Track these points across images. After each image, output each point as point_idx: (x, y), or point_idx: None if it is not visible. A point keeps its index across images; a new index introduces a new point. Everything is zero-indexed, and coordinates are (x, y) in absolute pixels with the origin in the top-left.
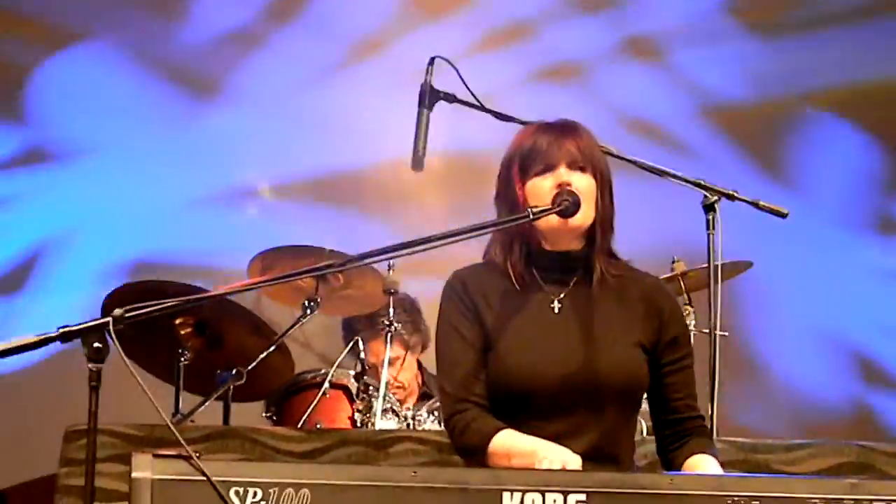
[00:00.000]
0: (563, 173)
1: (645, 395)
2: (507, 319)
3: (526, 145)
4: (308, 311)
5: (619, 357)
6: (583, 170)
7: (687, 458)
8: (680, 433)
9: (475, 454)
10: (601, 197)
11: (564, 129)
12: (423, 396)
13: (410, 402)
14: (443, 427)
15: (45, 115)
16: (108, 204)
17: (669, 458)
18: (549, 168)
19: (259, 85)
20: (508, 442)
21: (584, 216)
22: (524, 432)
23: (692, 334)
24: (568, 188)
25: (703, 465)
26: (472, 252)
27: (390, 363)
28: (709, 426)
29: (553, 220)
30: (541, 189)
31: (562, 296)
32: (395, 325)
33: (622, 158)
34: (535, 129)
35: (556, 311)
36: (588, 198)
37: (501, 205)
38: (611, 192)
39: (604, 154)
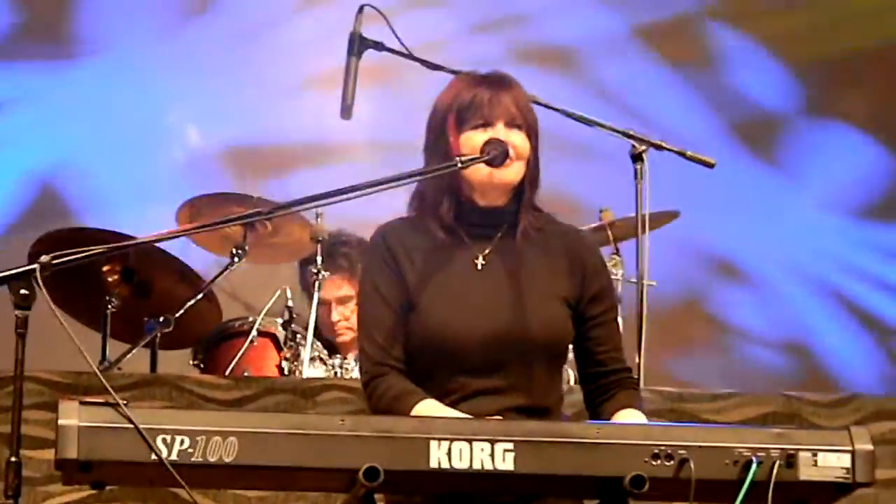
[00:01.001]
0: (501, 131)
1: (571, 346)
2: (429, 276)
3: (464, 98)
4: (236, 259)
5: (544, 313)
6: (519, 128)
7: (614, 412)
8: (606, 386)
9: None
10: (533, 157)
11: (503, 84)
12: None
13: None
14: None
15: None
16: (32, 147)
17: (597, 412)
18: (487, 124)
19: (189, 33)
20: (428, 413)
21: (517, 173)
22: (449, 390)
23: (619, 283)
24: (496, 138)
25: (629, 420)
26: (402, 204)
27: (343, 301)
28: (636, 376)
29: (482, 171)
30: (476, 143)
31: (486, 252)
32: (324, 273)
33: (551, 108)
34: (471, 80)
35: (480, 267)
36: (522, 155)
37: (432, 155)
38: (537, 151)
39: (533, 106)
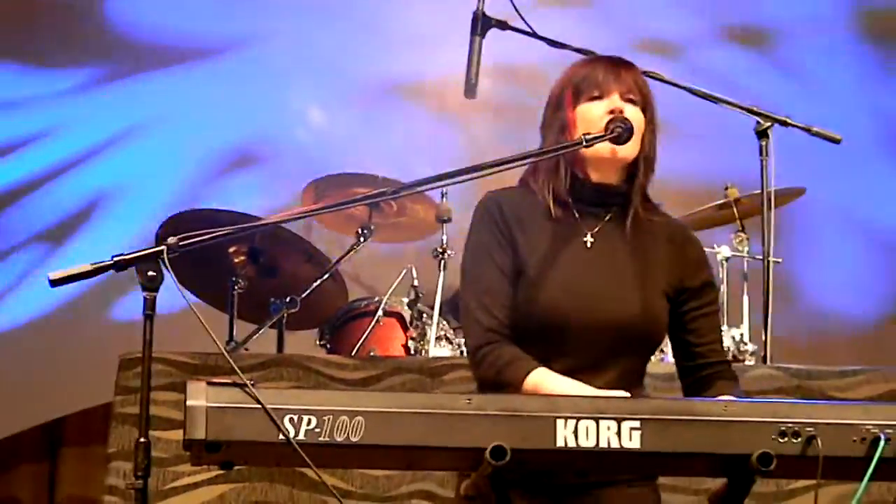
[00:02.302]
0: (616, 101)
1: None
2: (540, 248)
3: (581, 73)
4: (362, 239)
5: (644, 302)
6: (634, 102)
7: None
8: (706, 378)
9: (502, 389)
10: (648, 134)
11: (621, 62)
12: None
13: None
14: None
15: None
16: (156, 138)
17: None
18: (603, 95)
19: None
20: (542, 383)
21: (632, 148)
22: (545, 364)
23: (746, 260)
24: (621, 115)
25: None
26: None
27: None
28: (764, 352)
29: (604, 148)
30: (593, 114)
31: (595, 230)
32: (449, 252)
33: (675, 85)
34: (591, 59)
35: (589, 245)
36: (637, 131)
37: (549, 130)
38: (655, 134)
39: (656, 81)
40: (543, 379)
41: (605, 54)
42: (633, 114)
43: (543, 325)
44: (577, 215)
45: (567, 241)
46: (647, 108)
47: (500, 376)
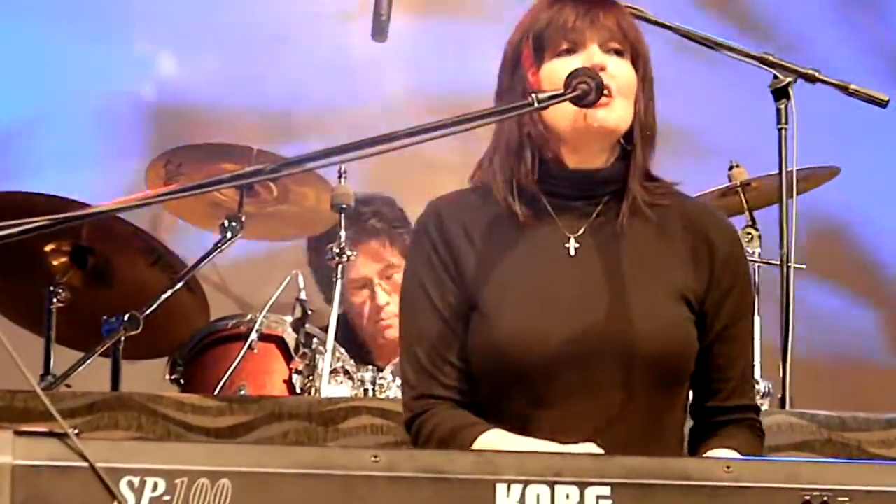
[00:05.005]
0: (596, 54)
1: None
2: (499, 264)
3: (544, 18)
4: (229, 234)
5: (657, 315)
6: (621, 54)
7: (707, 450)
8: (719, 424)
9: None
10: (643, 94)
11: (596, 0)
12: None
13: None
14: None
15: None
16: None
17: (694, 451)
18: (576, 47)
19: None
20: (495, 446)
21: (619, 115)
22: (524, 426)
23: (757, 266)
24: (591, 70)
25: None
26: (455, 158)
27: (388, 274)
28: (781, 392)
29: (569, 115)
30: (562, 75)
31: (581, 232)
32: (349, 253)
33: (664, 26)
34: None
35: (573, 252)
36: (627, 91)
37: (506, 99)
38: (653, 93)
39: (642, 30)
40: (491, 445)
41: None
42: (622, 69)
43: (508, 373)
44: (553, 215)
45: (541, 252)
46: (638, 59)
47: None
